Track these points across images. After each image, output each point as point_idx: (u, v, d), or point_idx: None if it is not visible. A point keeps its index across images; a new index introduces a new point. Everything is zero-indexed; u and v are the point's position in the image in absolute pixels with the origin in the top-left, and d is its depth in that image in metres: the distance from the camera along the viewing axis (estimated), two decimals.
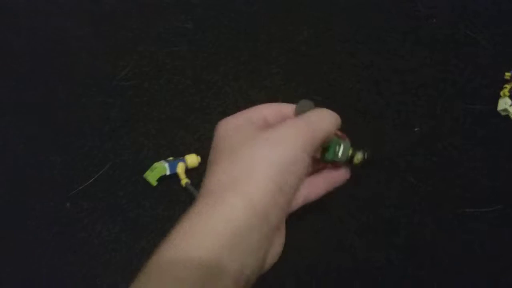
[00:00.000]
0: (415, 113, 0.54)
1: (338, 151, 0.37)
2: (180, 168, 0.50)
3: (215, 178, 0.32)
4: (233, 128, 0.34)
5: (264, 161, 0.31)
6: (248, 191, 0.30)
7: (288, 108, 0.38)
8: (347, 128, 0.53)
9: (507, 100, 0.53)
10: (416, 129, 0.53)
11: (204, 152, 0.52)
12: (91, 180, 0.51)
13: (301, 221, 0.48)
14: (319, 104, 0.55)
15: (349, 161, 0.37)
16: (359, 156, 0.37)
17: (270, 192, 0.30)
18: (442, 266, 0.46)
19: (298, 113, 0.36)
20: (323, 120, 0.35)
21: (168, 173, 0.50)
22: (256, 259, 0.30)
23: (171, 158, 0.51)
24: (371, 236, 0.48)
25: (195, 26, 0.62)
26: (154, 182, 0.50)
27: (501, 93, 0.54)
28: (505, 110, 0.53)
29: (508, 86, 0.54)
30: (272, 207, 0.31)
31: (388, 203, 0.49)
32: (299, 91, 0.57)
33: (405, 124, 0.54)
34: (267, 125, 0.35)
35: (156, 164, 0.50)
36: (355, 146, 0.38)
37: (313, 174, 0.38)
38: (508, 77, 0.55)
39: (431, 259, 0.46)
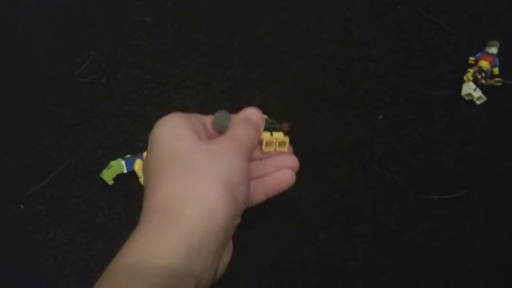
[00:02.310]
0: (379, 101, 0.54)
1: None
2: (138, 165, 0.48)
3: (165, 190, 0.30)
4: (172, 132, 0.32)
5: (217, 171, 0.30)
6: (206, 202, 0.29)
7: (206, 118, 0.37)
8: (312, 117, 0.53)
9: (471, 84, 0.52)
10: (379, 117, 0.52)
11: None
12: (46, 181, 0.49)
13: (265, 216, 0.47)
14: (282, 93, 0.55)
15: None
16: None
17: (228, 202, 0.30)
18: (408, 254, 0.45)
19: (217, 124, 0.36)
20: (249, 134, 0.35)
21: (125, 171, 0.48)
22: (211, 271, 0.29)
23: (128, 156, 0.49)
24: (336, 227, 0.46)
25: (155, 19, 0.60)
26: (110, 181, 0.48)
27: (465, 78, 0.53)
28: (469, 94, 0.53)
29: (471, 71, 0.53)
30: (230, 217, 0.30)
31: (352, 192, 0.48)
32: (262, 81, 0.56)
33: (369, 112, 0.53)
34: (205, 131, 0.35)
35: (113, 162, 0.48)
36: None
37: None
38: (471, 62, 0.55)
39: (396, 247, 0.45)
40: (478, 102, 0.53)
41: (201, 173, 0.30)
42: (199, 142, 0.32)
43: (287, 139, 0.38)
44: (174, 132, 0.32)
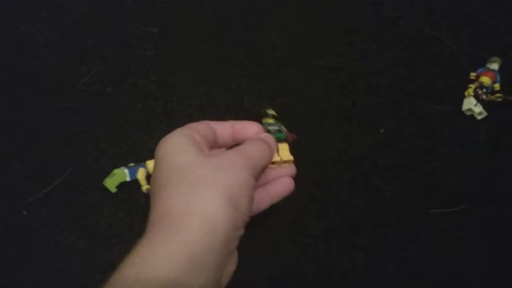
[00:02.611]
0: (381, 114, 0.54)
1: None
2: (141, 174, 0.49)
3: (169, 202, 0.31)
4: (177, 148, 0.34)
5: (220, 184, 0.31)
6: (207, 213, 0.30)
7: (217, 125, 0.39)
8: (314, 129, 0.53)
9: (472, 100, 0.53)
10: (381, 130, 0.53)
11: None
12: (49, 188, 0.50)
13: (264, 227, 0.47)
14: (285, 106, 0.55)
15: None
16: None
17: (229, 214, 0.30)
18: (407, 267, 0.45)
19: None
20: (261, 151, 0.36)
21: (128, 179, 0.49)
22: (215, 282, 0.30)
23: (132, 164, 0.50)
24: (335, 239, 0.47)
25: (161, 30, 0.61)
26: (113, 189, 0.48)
27: (466, 93, 0.54)
28: (470, 110, 0.53)
29: (472, 86, 0.54)
30: (231, 229, 0.31)
31: (352, 205, 0.48)
32: (266, 93, 0.56)
33: (370, 125, 0.53)
34: (208, 145, 0.36)
35: (116, 171, 0.49)
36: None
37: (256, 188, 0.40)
38: (473, 77, 0.55)
39: (396, 260, 0.45)
40: (479, 117, 0.53)
41: (203, 185, 0.31)
42: (202, 156, 0.33)
43: (291, 158, 0.40)
44: (179, 148, 0.34)
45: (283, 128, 0.42)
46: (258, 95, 0.56)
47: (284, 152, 0.40)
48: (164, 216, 0.31)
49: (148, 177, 0.49)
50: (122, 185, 0.49)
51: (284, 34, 0.61)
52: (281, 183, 0.40)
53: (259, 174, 0.37)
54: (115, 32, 0.62)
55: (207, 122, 0.39)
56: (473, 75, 0.55)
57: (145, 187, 0.48)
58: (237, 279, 0.44)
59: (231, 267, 0.34)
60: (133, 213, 0.48)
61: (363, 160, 0.51)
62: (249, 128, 0.40)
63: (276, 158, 0.39)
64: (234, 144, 0.40)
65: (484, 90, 0.53)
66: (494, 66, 0.55)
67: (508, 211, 0.47)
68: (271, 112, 0.44)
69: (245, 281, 0.44)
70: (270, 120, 0.43)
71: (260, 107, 0.44)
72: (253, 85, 0.57)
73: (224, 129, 0.39)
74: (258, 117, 0.43)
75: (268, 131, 0.40)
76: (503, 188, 0.48)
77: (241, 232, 0.33)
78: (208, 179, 0.31)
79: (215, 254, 0.29)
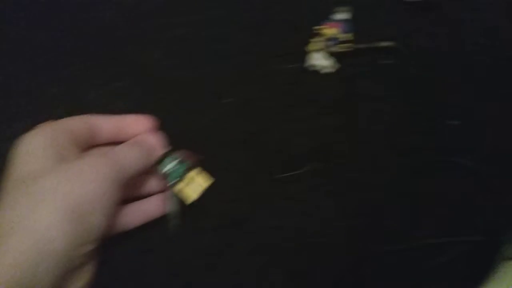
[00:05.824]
0: (226, 83, 0.51)
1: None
2: None
3: (4, 214, 0.29)
4: (30, 152, 0.31)
5: (61, 198, 0.28)
6: (39, 230, 0.27)
7: (97, 120, 0.36)
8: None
9: (315, 55, 0.51)
10: (227, 100, 0.50)
11: None
12: None
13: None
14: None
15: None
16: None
17: (68, 232, 0.28)
18: (258, 238, 0.43)
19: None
20: (132, 158, 0.34)
21: None
22: None
23: None
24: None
25: None
26: None
27: (308, 48, 0.51)
28: (316, 65, 0.51)
29: (316, 40, 0.51)
30: (72, 247, 0.28)
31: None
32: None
33: (213, 97, 0.50)
34: (81, 144, 0.34)
35: None
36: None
37: (134, 201, 0.37)
38: (317, 31, 0.53)
39: (245, 234, 0.43)
40: (323, 72, 0.51)
41: (42, 200, 0.28)
42: (54, 163, 0.30)
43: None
44: (31, 153, 0.31)
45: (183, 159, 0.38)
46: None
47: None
48: None
49: None
50: None
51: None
52: (153, 203, 0.38)
53: (128, 181, 0.33)
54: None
55: (84, 116, 0.35)
56: (316, 28, 0.53)
57: None
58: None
59: (80, 283, 0.31)
60: None
61: (209, 136, 0.48)
62: (135, 125, 0.37)
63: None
64: (120, 142, 0.36)
65: (331, 42, 0.51)
66: (341, 16, 0.53)
67: (355, 167, 0.45)
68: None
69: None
70: (166, 158, 0.38)
71: None
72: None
73: (107, 124, 0.36)
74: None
75: (166, 176, 0.37)
76: (351, 142, 0.47)
77: (91, 247, 0.30)
78: (49, 193, 0.29)
79: (48, 275, 0.27)
